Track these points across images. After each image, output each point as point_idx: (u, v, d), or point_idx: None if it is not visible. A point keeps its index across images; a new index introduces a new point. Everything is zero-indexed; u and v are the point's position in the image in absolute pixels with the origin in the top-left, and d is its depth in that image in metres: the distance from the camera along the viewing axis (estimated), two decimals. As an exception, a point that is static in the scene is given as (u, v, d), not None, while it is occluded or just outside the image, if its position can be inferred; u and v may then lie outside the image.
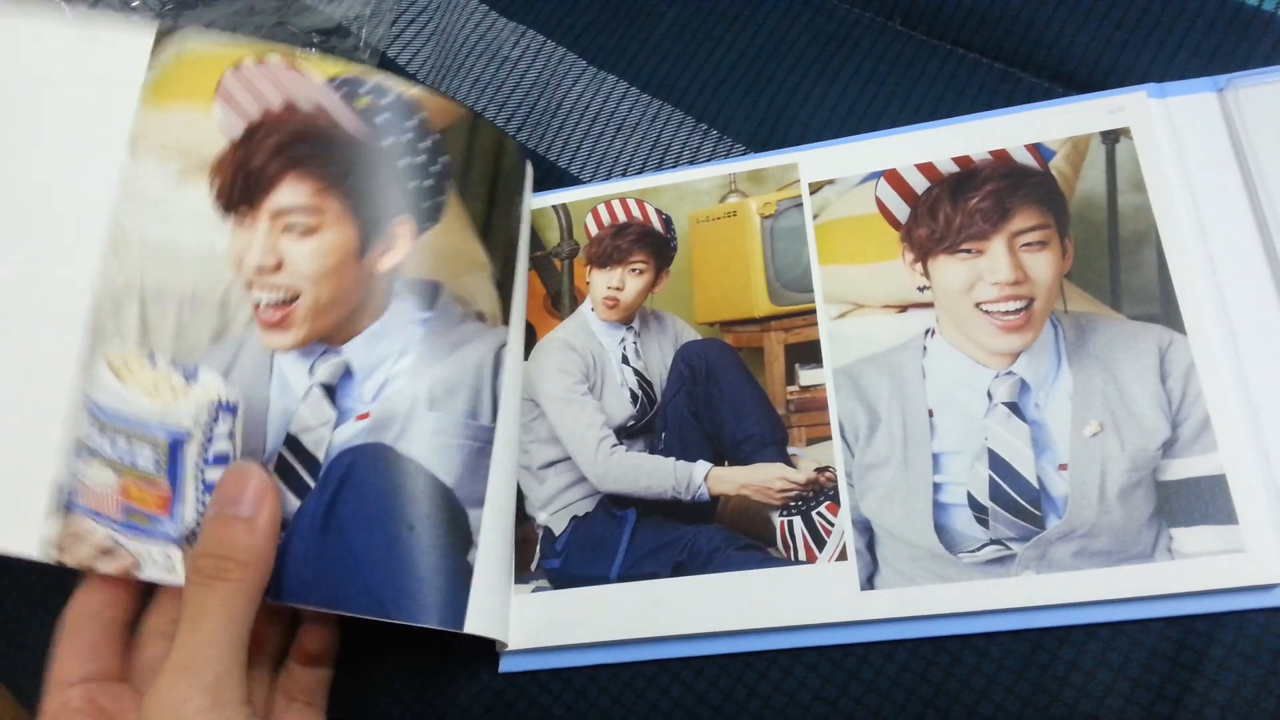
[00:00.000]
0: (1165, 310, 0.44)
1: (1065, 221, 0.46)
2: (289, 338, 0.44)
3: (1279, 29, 0.49)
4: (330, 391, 0.44)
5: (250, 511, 0.41)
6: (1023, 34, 0.52)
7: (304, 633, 0.46)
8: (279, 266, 0.44)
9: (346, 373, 0.44)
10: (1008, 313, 0.46)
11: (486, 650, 0.47)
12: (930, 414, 0.46)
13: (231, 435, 0.43)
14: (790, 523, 0.46)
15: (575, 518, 0.48)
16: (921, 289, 0.48)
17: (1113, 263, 0.45)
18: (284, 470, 0.44)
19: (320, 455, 0.43)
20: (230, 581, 0.40)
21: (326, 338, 0.45)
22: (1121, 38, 0.51)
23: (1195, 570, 0.40)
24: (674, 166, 0.54)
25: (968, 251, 0.47)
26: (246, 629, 0.40)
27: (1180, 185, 0.46)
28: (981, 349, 0.46)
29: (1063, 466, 0.43)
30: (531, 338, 0.52)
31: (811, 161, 0.51)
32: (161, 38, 0.46)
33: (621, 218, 0.53)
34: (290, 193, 0.45)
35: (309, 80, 0.45)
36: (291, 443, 0.44)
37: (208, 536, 0.41)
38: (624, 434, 0.49)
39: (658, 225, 0.52)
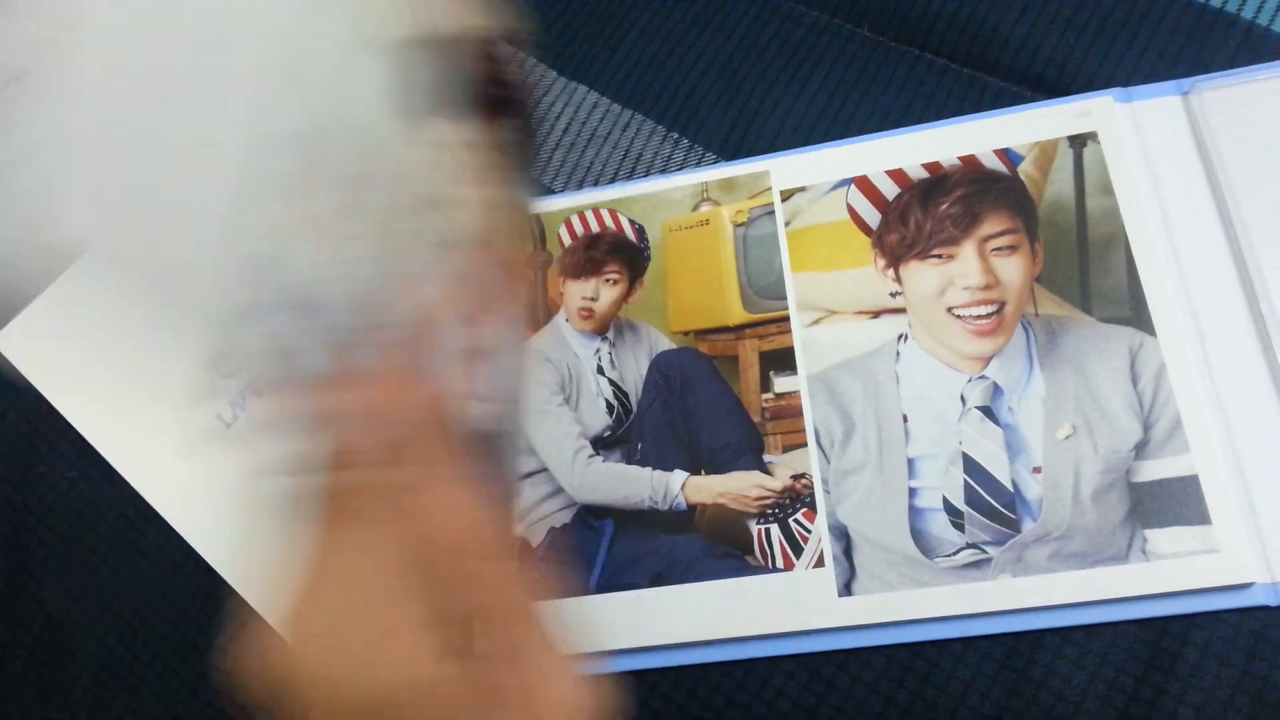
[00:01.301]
0: (1135, 312, 0.44)
1: (1034, 225, 0.47)
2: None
3: (1242, 30, 0.49)
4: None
5: None
6: (990, 38, 0.52)
7: None
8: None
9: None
10: (979, 317, 0.46)
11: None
12: (905, 419, 0.46)
13: None
14: (767, 530, 0.46)
15: (553, 529, 0.48)
16: (894, 295, 0.48)
17: (1082, 266, 0.46)
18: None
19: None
20: None
21: None
22: (1087, 41, 0.51)
23: (1169, 571, 0.41)
24: (646, 175, 0.54)
25: (939, 256, 0.47)
26: None
27: (1147, 188, 0.46)
28: (954, 353, 0.46)
29: (1036, 469, 0.43)
30: (506, 350, 0.52)
31: (783, 169, 0.52)
32: None
33: (594, 228, 0.53)
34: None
35: None
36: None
37: None
38: (600, 444, 0.49)
39: (631, 235, 0.52)
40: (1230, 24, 0.49)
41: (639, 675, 0.45)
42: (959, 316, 0.46)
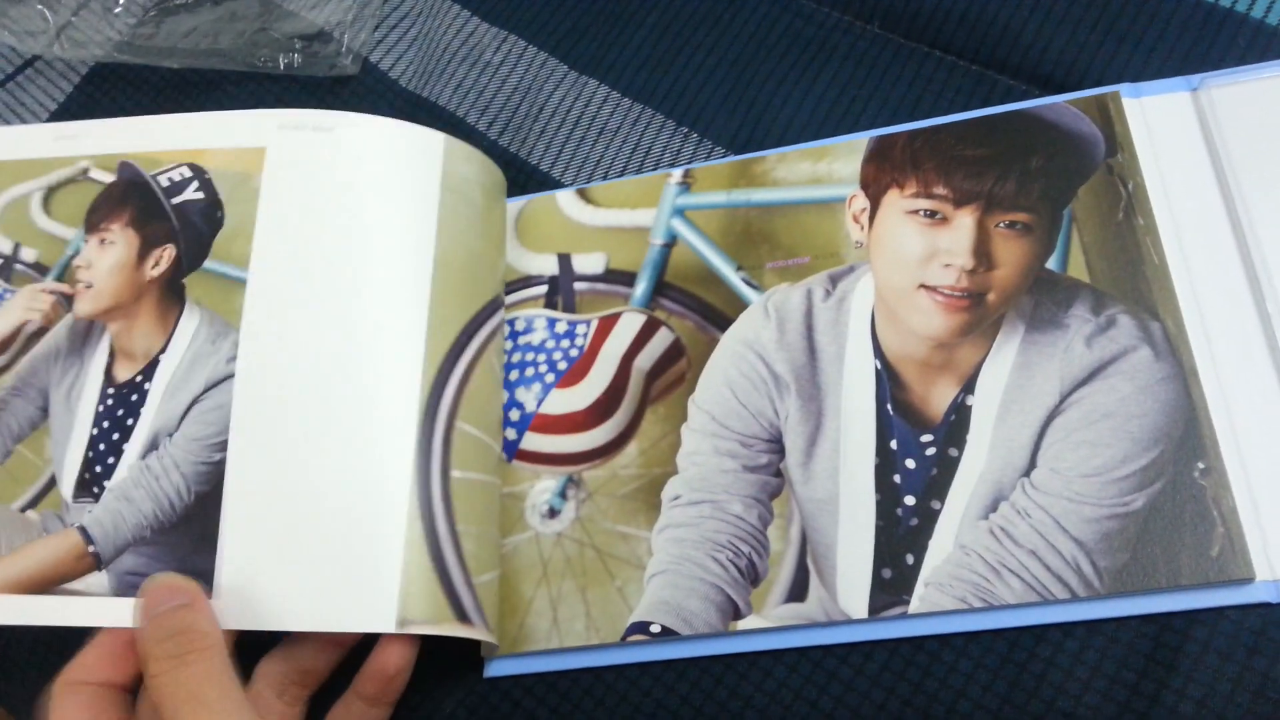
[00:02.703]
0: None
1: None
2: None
3: (1251, 29, 0.49)
4: None
5: (187, 600, 0.40)
6: (999, 36, 0.52)
7: (375, 664, 0.44)
8: None
9: None
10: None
11: (471, 655, 0.47)
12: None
13: None
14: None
15: (557, 520, 0.48)
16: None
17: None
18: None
19: None
20: (206, 649, 0.38)
21: None
22: (1097, 39, 0.51)
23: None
24: (654, 169, 0.55)
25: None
26: (240, 689, 0.39)
27: (1155, 185, 0.46)
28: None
29: (1038, 465, 0.44)
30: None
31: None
32: None
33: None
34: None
35: None
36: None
37: (157, 627, 0.39)
38: (605, 437, 0.49)
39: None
40: (1240, 23, 0.49)
41: (643, 667, 0.46)
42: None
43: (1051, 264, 0.46)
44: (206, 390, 0.45)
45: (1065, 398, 0.43)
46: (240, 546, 0.43)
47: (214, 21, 0.63)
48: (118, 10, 0.65)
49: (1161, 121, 0.47)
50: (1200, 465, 0.41)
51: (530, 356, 0.51)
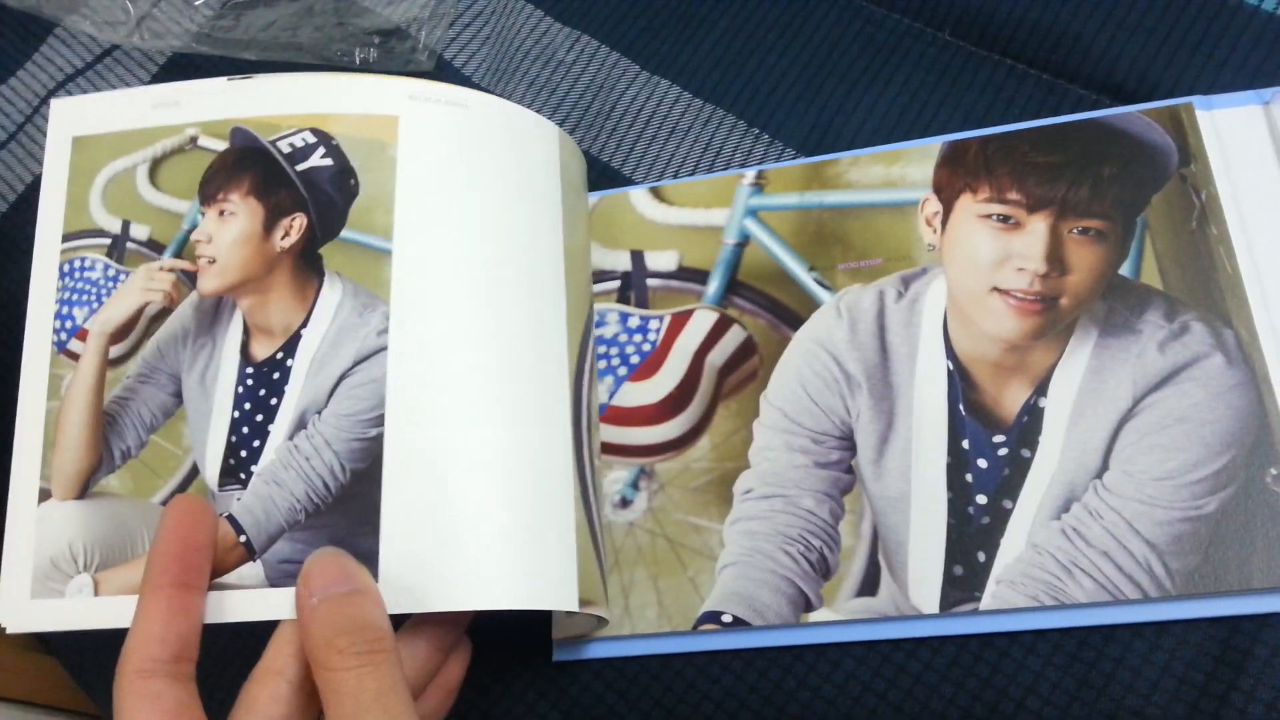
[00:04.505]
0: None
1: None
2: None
3: (1325, 44, 0.50)
4: None
5: (360, 587, 0.38)
6: (1070, 46, 0.53)
7: (440, 678, 0.44)
8: None
9: None
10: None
11: (540, 640, 0.48)
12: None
13: None
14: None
15: (628, 511, 0.49)
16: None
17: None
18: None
19: None
20: (389, 652, 0.36)
21: None
22: (1169, 51, 0.51)
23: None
24: (725, 169, 0.56)
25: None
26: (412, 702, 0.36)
27: (1228, 195, 0.47)
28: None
29: (1109, 468, 0.44)
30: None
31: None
32: None
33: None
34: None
35: None
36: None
37: (334, 614, 0.37)
38: (676, 430, 0.50)
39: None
40: (1313, 38, 0.50)
41: (712, 655, 0.46)
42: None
43: (1124, 270, 0.46)
44: (356, 364, 0.43)
45: (1138, 402, 0.44)
46: (403, 525, 0.40)
47: (292, 15, 0.64)
48: (198, 3, 0.66)
49: (1234, 134, 0.48)
50: (1273, 471, 0.42)
51: (603, 349, 0.52)
